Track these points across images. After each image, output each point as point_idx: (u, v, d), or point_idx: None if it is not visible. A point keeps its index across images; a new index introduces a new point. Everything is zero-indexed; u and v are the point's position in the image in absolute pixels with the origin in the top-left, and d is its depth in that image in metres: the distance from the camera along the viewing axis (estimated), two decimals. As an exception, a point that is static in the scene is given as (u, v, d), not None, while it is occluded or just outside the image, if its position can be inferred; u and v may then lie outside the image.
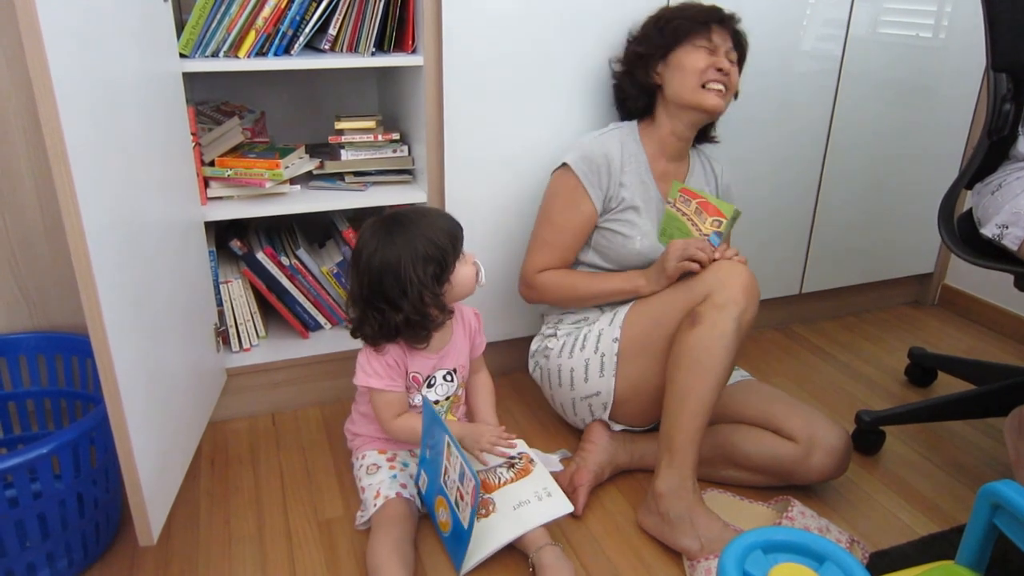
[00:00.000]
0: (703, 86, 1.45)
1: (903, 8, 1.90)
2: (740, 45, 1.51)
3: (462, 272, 1.32)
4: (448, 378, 1.39)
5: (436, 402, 1.38)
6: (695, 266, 1.37)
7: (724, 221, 1.46)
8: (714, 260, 1.37)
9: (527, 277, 1.54)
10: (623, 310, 1.47)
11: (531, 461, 1.35)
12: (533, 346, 1.61)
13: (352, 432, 1.46)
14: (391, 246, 1.25)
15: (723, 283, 1.32)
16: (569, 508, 1.29)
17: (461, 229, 1.33)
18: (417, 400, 1.37)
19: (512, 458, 1.36)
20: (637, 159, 1.52)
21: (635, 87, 1.53)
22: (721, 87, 1.46)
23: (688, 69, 1.45)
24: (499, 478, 1.32)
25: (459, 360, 1.41)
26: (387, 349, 1.32)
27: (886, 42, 1.90)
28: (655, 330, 1.40)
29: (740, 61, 1.52)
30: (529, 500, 1.28)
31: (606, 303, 1.52)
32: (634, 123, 1.56)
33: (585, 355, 1.47)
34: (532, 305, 1.76)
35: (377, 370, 1.32)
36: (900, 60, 1.94)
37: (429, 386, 1.37)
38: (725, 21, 1.48)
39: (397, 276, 1.25)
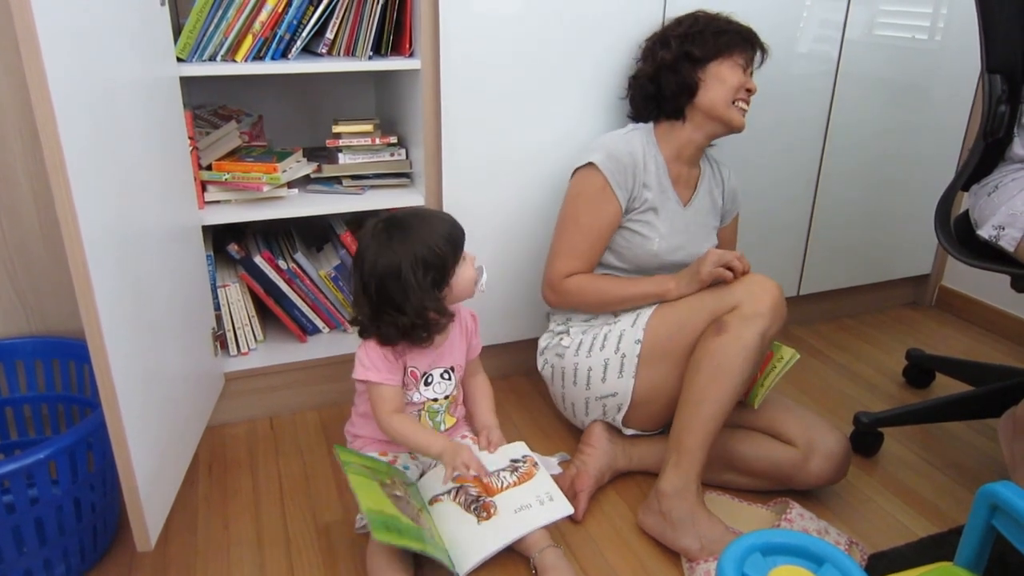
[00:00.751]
0: (733, 103, 1.47)
1: (899, 10, 1.90)
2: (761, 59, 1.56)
3: (462, 275, 1.32)
4: (445, 376, 1.39)
5: (435, 400, 1.39)
6: (729, 274, 1.37)
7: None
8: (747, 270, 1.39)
9: (554, 283, 1.52)
10: (647, 312, 1.46)
11: (535, 465, 1.36)
12: (542, 343, 1.60)
13: (352, 434, 1.45)
14: (391, 252, 1.26)
15: (753, 296, 1.33)
16: (570, 510, 1.29)
17: (462, 232, 1.33)
18: (415, 398, 1.37)
19: (516, 460, 1.36)
20: (656, 161, 1.52)
21: (678, 86, 1.49)
22: (746, 107, 1.49)
23: (728, 83, 1.46)
24: (502, 482, 1.32)
25: (456, 359, 1.41)
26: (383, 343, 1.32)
27: (882, 44, 1.91)
28: (679, 334, 1.40)
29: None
30: (531, 504, 1.29)
31: (631, 308, 1.50)
32: (650, 125, 1.56)
33: (605, 355, 1.46)
34: (532, 308, 1.76)
35: (376, 363, 1.32)
36: (896, 62, 1.94)
37: (427, 384, 1.37)
38: (760, 48, 1.53)
39: (399, 282, 1.25)
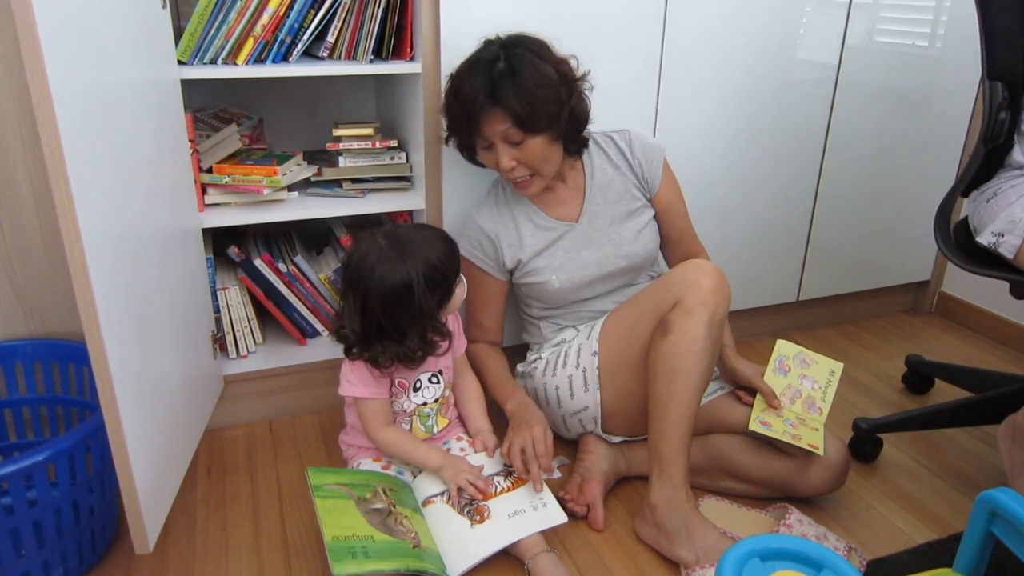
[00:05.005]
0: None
1: (899, 17, 1.91)
2: (523, 110, 1.29)
3: (458, 295, 1.32)
4: (434, 380, 1.39)
5: (424, 404, 1.39)
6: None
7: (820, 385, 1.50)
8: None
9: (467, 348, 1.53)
10: (599, 323, 1.47)
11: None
12: (519, 368, 1.62)
13: (346, 443, 1.45)
14: (401, 270, 1.22)
15: (691, 285, 1.31)
16: (563, 519, 1.29)
17: (458, 252, 1.33)
18: (406, 405, 1.37)
19: (510, 465, 1.36)
20: (521, 206, 1.50)
21: (473, 159, 1.47)
22: (521, 177, 1.40)
23: (493, 166, 1.43)
24: (496, 487, 1.32)
25: (443, 363, 1.41)
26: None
27: (882, 51, 1.91)
28: (630, 342, 1.40)
29: (532, 120, 1.31)
30: (524, 509, 1.29)
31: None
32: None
33: (568, 372, 1.47)
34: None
35: (361, 379, 1.31)
36: (896, 69, 1.94)
37: (415, 390, 1.37)
38: (483, 109, 1.31)
39: (410, 304, 1.23)
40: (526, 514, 1.28)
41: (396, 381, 1.34)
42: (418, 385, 1.37)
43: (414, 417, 1.39)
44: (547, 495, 1.32)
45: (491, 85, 1.30)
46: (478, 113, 1.33)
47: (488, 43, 1.38)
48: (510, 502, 1.30)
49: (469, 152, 1.47)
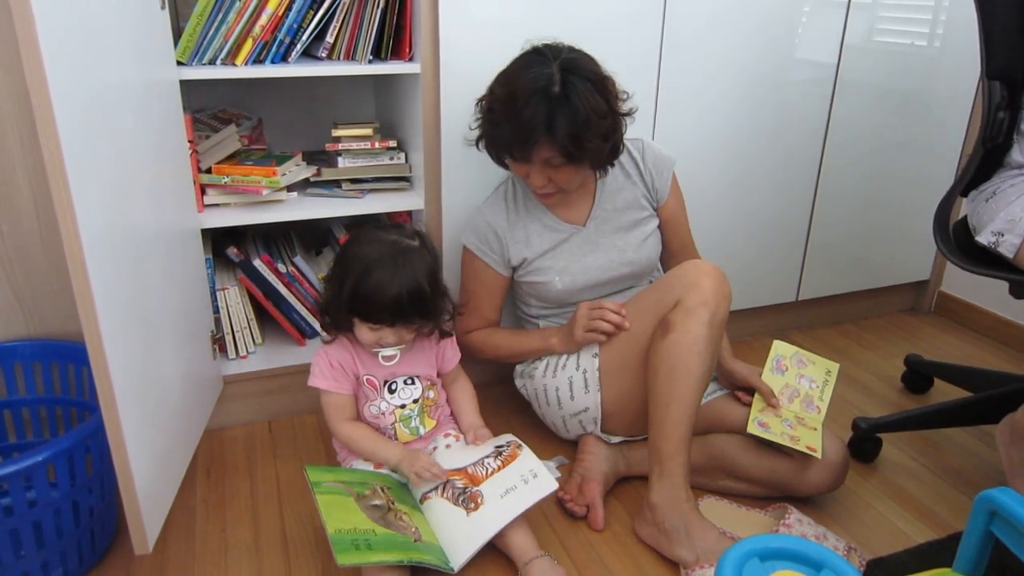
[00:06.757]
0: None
1: (898, 17, 1.91)
2: (574, 146, 1.30)
3: (361, 332, 1.31)
4: (408, 381, 1.39)
5: (403, 406, 1.39)
6: (602, 337, 1.39)
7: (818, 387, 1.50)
8: (621, 326, 1.39)
9: (459, 338, 1.52)
10: None
11: (519, 446, 1.35)
12: (518, 367, 1.62)
13: (339, 445, 1.45)
14: (362, 250, 1.27)
15: (692, 285, 1.32)
16: (555, 486, 1.28)
17: (401, 311, 1.26)
18: (383, 407, 1.37)
19: (500, 446, 1.36)
20: (530, 205, 1.51)
21: (501, 163, 1.46)
22: (547, 191, 1.43)
23: (522, 177, 1.44)
24: (487, 469, 1.32)
25: (420, 370, 1.40)
26: (331, 351, 1.34)
27: (881, 50, 1.91)
28: (631, 341, 1.40)
29: (580, 154, 1.32)
30: (516, 485, 1.28)
31: (530, 359, 1.55)
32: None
33: (568, 373, 1.47)
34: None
35: (323, 370, 1.33)
36: (896, 68, 1.95)
37: (391, 391, 1.37)
38: (538, 139, 1.31)
39: (344, 270, 1.28)
40: (517, 489, 1.27)
41: (364, 379, 1.35)
42: (394, 387, 1.38)
43: (397, 423, 1.39)
44: (536, 464, 1.31)
45: (549, 116, 1.29)
46: (534, 143, 1.32)
47: (541, 56, 1.34)
48: (501, 481, 1.29)
49: (499, 160, 1.46)
